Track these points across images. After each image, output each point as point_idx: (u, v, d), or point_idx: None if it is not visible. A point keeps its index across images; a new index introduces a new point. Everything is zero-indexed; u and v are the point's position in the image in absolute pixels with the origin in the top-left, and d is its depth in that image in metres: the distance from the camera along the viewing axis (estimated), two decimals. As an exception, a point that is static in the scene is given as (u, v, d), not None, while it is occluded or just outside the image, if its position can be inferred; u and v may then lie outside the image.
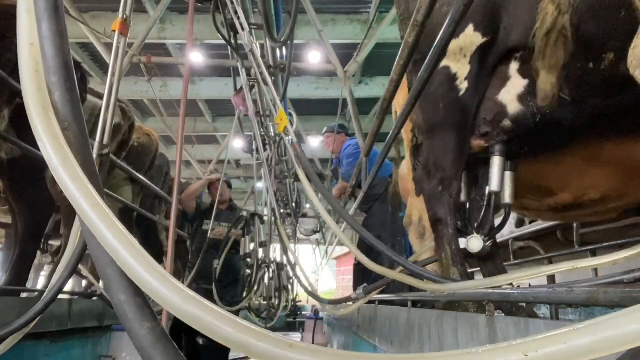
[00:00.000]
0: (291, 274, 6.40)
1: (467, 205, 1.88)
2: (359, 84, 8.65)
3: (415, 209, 2.68)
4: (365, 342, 3.57)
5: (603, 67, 1.30)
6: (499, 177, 1.68)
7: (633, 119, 1.48)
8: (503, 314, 1.44)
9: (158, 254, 5.02)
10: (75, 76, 0.66)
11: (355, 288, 2.43)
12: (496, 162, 1.69)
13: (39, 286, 4.80)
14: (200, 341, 4.53)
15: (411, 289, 3.04)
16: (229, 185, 5.62)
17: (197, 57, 6.78)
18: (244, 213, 5.36)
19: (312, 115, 10.17)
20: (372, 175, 2.48)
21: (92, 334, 3.34)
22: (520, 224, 4.05)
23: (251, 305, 6.36)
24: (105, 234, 0.54)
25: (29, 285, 3.13)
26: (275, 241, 5.56)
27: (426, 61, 1.42)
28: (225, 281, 4.94)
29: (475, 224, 1.79)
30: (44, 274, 5.65)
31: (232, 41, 3.86)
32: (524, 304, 1.55)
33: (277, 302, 6.54)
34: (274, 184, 5.30)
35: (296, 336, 10.64)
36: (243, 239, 5.20)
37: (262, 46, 4.19)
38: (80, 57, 7.86)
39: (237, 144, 7.39)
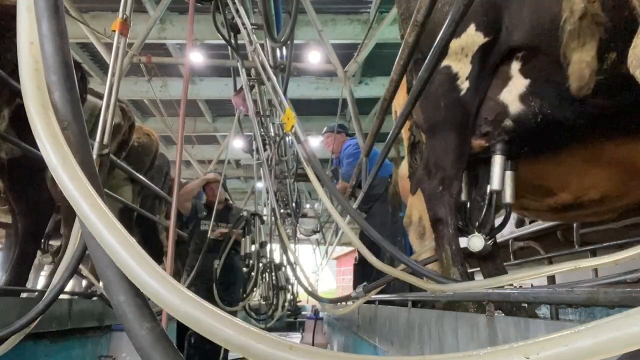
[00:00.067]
0: (290, 274, 6.40)
1: (468, 205, 1.87)
2: (359, 84, 8.65)
3: (415, 209, 2.68)
4: (365, 342, 3.57)
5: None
6: (500, 176, 1.68)
7: (633, 119, 1.48)
8: (503, 314, 1.44)
9: (158, 254, 5.02)
10: (75, 75, 0.65)
11: (355, 288, 2.43)
12: (497, 160, 1.69)
13: (39, 286, 4.80)
14: (192, 339, 4.51)
15: (411, 288, 3.05)
16: (224, 186, 5.64)
17: (197, 57, 6.77)
18: (244, 213, 5.35)
19: (312, 115, 10.16)
20: (372, 175, 2.49)
21: (92, 334, 3.34)
22: (520, 224, 4.05)
23: (250, 306, 6.36)
24: (105, 234, 0.54)
25: (29, 285, 3.13)
26: (275, 241, 5.56)
27: (426, 61, 1.42)
28: (227, 282, 4.93)
29: (477, 223, 1.79)
30: (44, 274, 5.65)
31: (232, 41, 3.86)
32: (525, 305, 1.55)
33: (275, 302, 6.54)
34: (274, 184, 5.30)
35: (296, 336, 10.64)
36: (243, 239, 5.20)
37: (262, 46, 4.19)
38: (80, 57, 7.86)
39: (237, 144, 7.38)
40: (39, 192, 2.71)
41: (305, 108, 9.67)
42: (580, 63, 1.33)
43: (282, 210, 8.75)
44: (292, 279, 7.10)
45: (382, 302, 3.09)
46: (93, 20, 6.66)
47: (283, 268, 6.28)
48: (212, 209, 4.82)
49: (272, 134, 5.70)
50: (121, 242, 0.53)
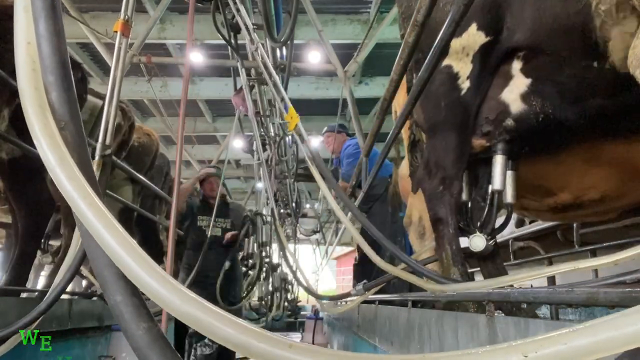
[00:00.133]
0: (289, 273, 6.41)
1: (469, 205, 1.87)
2: (359, 84, 8.65)
3: (415, 209, 2.68)
4: (365, 342, 3.57)
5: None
6: (501, 176, 1.68)
7: (633, 119, 1.48)
8: (503, 314, 1.44)
9: (158, 254, 5.01)
10: (72, 75, 0.65)
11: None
12: (499, 160, 1.69)
13: (39, 286, 4.79)
14: (193, 340, 4.46)
15: (411, 288, 3.05)
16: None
17: (197, 57, 6.77)
18: (248, 213, 5.33)
19: (312, 115, 10.17)
20: (372, 175, 2.49)
21: (92, 334, 3.34)
22: (520, 224, 4.05)
23: (251, 305, 6.37)
24: (103, 234, 0.54)
25: (29, 285, 3.13)
26: (274, 241, 5.57)
27: (426, 60, 1.42)
28: (230, 279, 4.91)
29: (478, 223, 1.79)
30: (44, 274, 5.65)
31: (232, 41, 3.86)
32: (526, 305, 1.55)
33: (272, 302, 6.56)
34: (273, 184, 5.30)
35: (296, 336, 10.64)
36: (247, 239, 5.18)
37: (262, 46, 4.19)
38: (80, 57, 7.86)
39: (237, 144, 7.39)
40: (39, 192, 2.71)
41: (305, 108, 9.67)
42: (623, 35, 1.24)
43: (282, 210, 8.76)
44: (291, 279, 7.12)
45: (382, 302, 3.09)
46: (93, 20, 6.66)
47: (279, 269, 6.29)
48: (209, 204, 4.75)
49: (272, 134, 5.70)
50: (120, 241, 0.53)
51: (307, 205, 10.51)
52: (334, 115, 6.25)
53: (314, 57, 7.04)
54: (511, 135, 1.67)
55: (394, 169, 3.50)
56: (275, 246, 6.09)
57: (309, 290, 3.58)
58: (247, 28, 3.21)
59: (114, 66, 1.76)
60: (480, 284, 1.28)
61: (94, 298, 3.30)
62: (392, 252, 1.65)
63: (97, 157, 1.59)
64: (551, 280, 3.47)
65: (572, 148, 1.72)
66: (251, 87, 4.76)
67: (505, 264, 2.02)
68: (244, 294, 5.37)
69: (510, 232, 4.10)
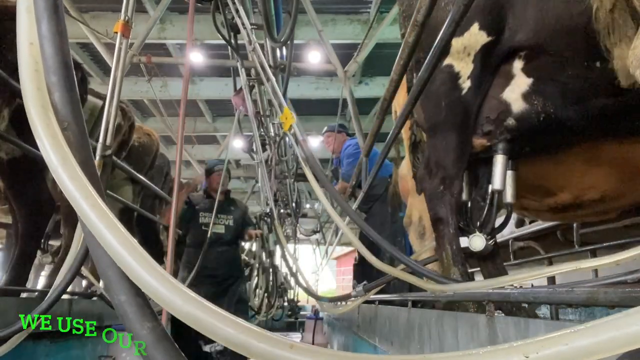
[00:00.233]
0: (288, 274, 6.42)
1: (469, 205, 1.88)
2: (359, 84, 8.65)
3: (415, 208, 2.68)
4: (365, 342, 3.57)
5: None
6: (502, 176, 1.68)
7: (634, 119, 1.48)
8: (503, 314, 1.44)
9: (158, 254, 5.01)
10: (74, 76, 0.65)
11: (354, 288, 2.43)
12: (499, 160, 1.69)
13: (39, 286, 4.79)
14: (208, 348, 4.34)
15: (411, 288, 3.05)
16: (228, 173, 5.15)
17: (197, 57, 6.77)
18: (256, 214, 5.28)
19: (312, 115, 10.17)
20: (372, 175, 2.49)
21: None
22: (520, 224, 4.05)
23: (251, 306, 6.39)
24: (105, 234, 0.54)
25: (29, 285, 3.13)
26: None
27: (426, 60, 1.42)
28: (235, 277, 4.86)
29: (478, 223, 1.79)
30: (44, 274, 5.64)
31: (232, 41, 3.86)
32: (526, 305, 1.55)
33: (272, 301, 6.57)
34: (273, 184, 5.30)
35: (296, 336, 10.64)
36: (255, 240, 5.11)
37: (262, 46, 4.19)
38: (81, 57, 7.86)
39: (237, 144, 7.39)
40: (39, 192, 2.71)
41: (305, 108, 9.67)
42: (625, 60, 1.22)
43: (282, 210, 8.76)
44: (290, 278, 7.13)
45: (382, 302, 3.09)
46: (93, 20, 6.66)
47: (278, 270, 6.29)
48: (214, 200, 4.50)
49: (272, 134, 5.71)
50: (122, 242, 0.54)
51: (307, 205, 10.51)
52: (334, 115, 6.25)
53: (314, 57, 7.04)
54: (512, 135, 1.67)
55: (394, 169, 3.50)
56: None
57: (308, 291, 3.58)
58: (245, 28, 3.21)
59: (114, 67, 1.77)
60: (480, 284, 1.28)
61: (94, 298, 3.30)
62: (392, 254, 1.65)
63: (97, 158, 1.60)
64: (551, 280, 3.47)
65: (573, 148, 1.72)
66: (251, 87, 4.76)
67: (505, 264, 2.02)
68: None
69: (510, 232, 4.11)
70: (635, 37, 1.07)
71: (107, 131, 1.68)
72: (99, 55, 6.86)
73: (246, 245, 5.29)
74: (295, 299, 11.98)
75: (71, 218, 3.16)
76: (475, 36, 1.62)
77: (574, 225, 3.27)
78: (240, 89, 4.73)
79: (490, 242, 1.73)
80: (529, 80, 1.57)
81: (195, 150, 11.19)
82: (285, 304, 9.64)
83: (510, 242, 4.24)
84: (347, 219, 3.15)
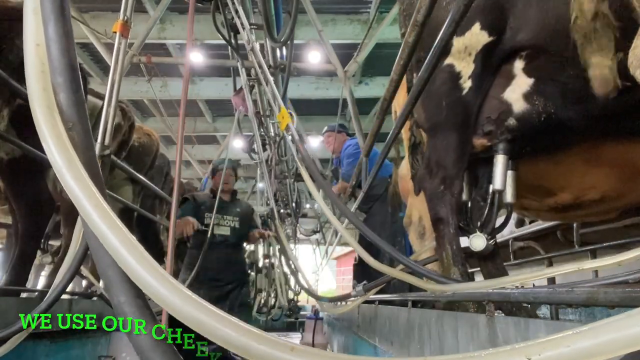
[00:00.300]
0: (287, 272, 6.42)
1: (469, 204, 1.88)
2: (359, 84, 8.65)
3: (415, 209, 2.68)
4: (365, 342, 3.57)
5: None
6: (502, 176, 1.68)
7: (634, 119, 1.48)
8: (503, 314, 1.44)
9: (158, 255, 5.01)
10: (80, 77, 0.66)
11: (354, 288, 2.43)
12: (500, 160, 1.69)
13: (39, 286, 4.79)
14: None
15: (411, 288, 3.05)
16: (235, 173, 5.01)
17: (197, 57, 6.78)
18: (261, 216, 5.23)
19: (312, 115, 10.17)
20: (372, 175, 2.49)
21: (92, 334, 3.34)
22: (520, 224, 4.06)
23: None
24: (107, 235, 0.54)
25: (29, 285, 3.13)
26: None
27: (427, 60, 1.42)
28: (242, 283, 4.80)
29: (478, 223, 1.79)
30: (44, 274, 5.65)
31: (232, 41, 3.87)
32: (527, 305, 1.55)
33: (273, 301, 6.57)
34: (273, 184, 5.30)
35: (296, 336, 10.63)
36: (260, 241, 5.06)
37: (262, 46, 4.19)
38: (80, 57, 7.86)
39: (237, 144, 7.39)
40: (39, 192, 2.71)
41: (305, 108, 9.67)
42: (602, 68, 1.28)
43: (282, 210, 8.77)
44: (290, 278, 7.13)
45: (382, 302, 3.09)
46: (93, 20, 6.66)
47: (277, 269, 6.28)
48: (221, 200, 4.36)
49: (272, 134, 5.71)
50: (124, 242, 0.54)
51: (307, 205, 10.52)
52: (334, 115, 6.25)
53: (314, 57, 7.04)
54: (513, 135, 1.67)
55: (394, 169, 3.50)
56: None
57: (308, 291, 3.58)
58: (244, 28, 3.22)
59: (113, 67, 1.76)
60: (480, 284, 1.28)
61: (94, 298, 3.30)
62: (391, 255, 1.65)
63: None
64: (551, 280, 3.47)
65: (573, 148, 1.72)
66: (251, 87, 4.76)
67: (505, 264, 2.02)
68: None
69: (510, 232, 4.11)
70: (636, 37, 1.07)
71: (105, 131, 1.67)
72: (99, 55, 6.87)
73: (249, 247, 5.26)
74: (295, 299, 11.97)
75: (71, 218, 3.16)
76: (477, 36, 1.62)
77: (574, 225, 3.27)
78: (241, 88, 4.74)
79: (491, 242, 1.73)
80: (530, 80, 1.57)
81: (195, 150, 11.20)
82: (285, 303, 9.66)
83: (510, 242, 4.24)
84: (346, 220, 3.16)
